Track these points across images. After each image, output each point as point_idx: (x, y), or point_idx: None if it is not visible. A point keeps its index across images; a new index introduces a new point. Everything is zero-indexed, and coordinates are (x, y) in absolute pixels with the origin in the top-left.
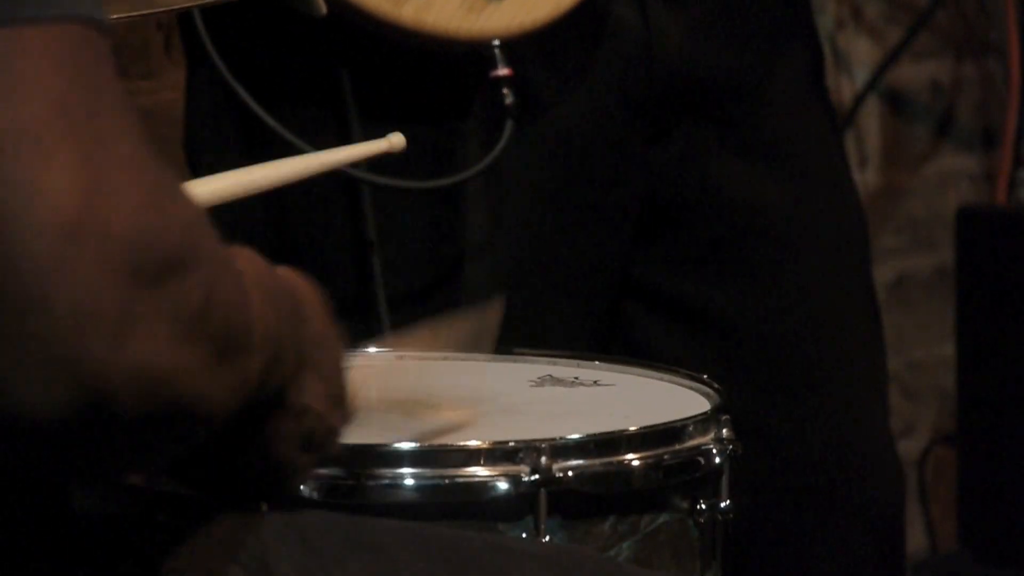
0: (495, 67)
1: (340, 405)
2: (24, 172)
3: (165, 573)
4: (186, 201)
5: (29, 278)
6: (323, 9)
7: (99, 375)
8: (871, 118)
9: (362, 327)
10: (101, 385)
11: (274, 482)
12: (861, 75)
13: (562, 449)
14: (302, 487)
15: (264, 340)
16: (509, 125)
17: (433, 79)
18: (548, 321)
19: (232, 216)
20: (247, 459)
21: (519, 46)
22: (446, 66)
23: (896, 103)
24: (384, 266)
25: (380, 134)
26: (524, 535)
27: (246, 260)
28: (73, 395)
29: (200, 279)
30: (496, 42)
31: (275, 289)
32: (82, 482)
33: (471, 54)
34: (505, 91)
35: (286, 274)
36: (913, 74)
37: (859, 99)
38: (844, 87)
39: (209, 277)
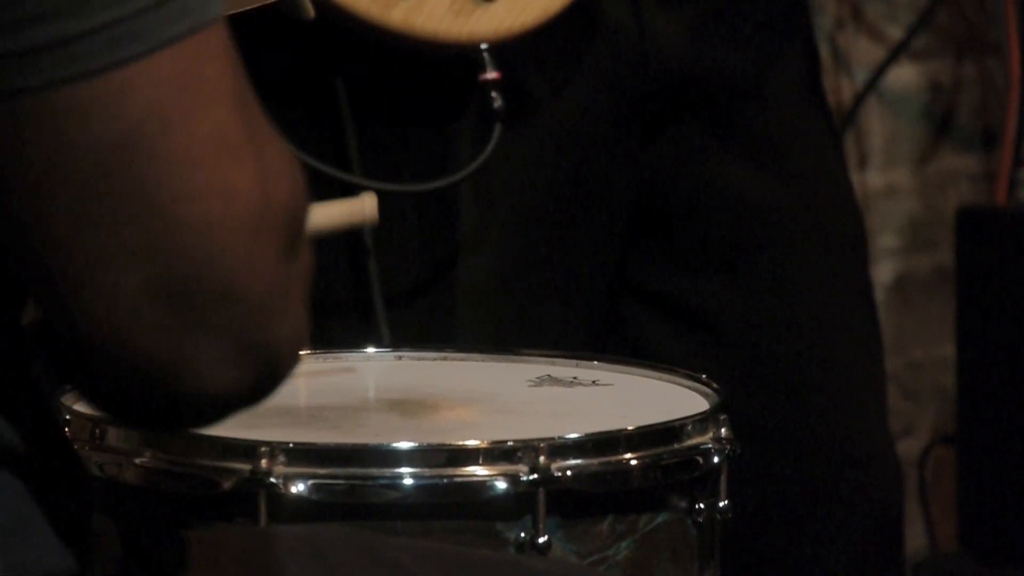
0: (484, 71)
1: None
2: (222, 177)
3: None
4: (294, 157)
5: (225, 275)
6: (311, 13)
7: (280, 353)
8: (871, 118)
9: (359, 329)
10: (281, 361)
11: None
12: (861, 75)
13: (560, 448)
14: (302, 487)
15: None
16: (498, 128)
17: (426, 81)
18: (542, 321)
19: None
20: None
21: (511, 46)
22: (439, 68)
23: (896, 103)
24: (379, 267)
25: (374, 137)
26: (523, 534)
27: None
28: (257, 374)
29: (308, 239)
30: (484, 46)
31: None
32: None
33: (460, 57)
34: (494, 95)
35: None
36: (913, 74)
37: (859, 99)
38: (844, 87)
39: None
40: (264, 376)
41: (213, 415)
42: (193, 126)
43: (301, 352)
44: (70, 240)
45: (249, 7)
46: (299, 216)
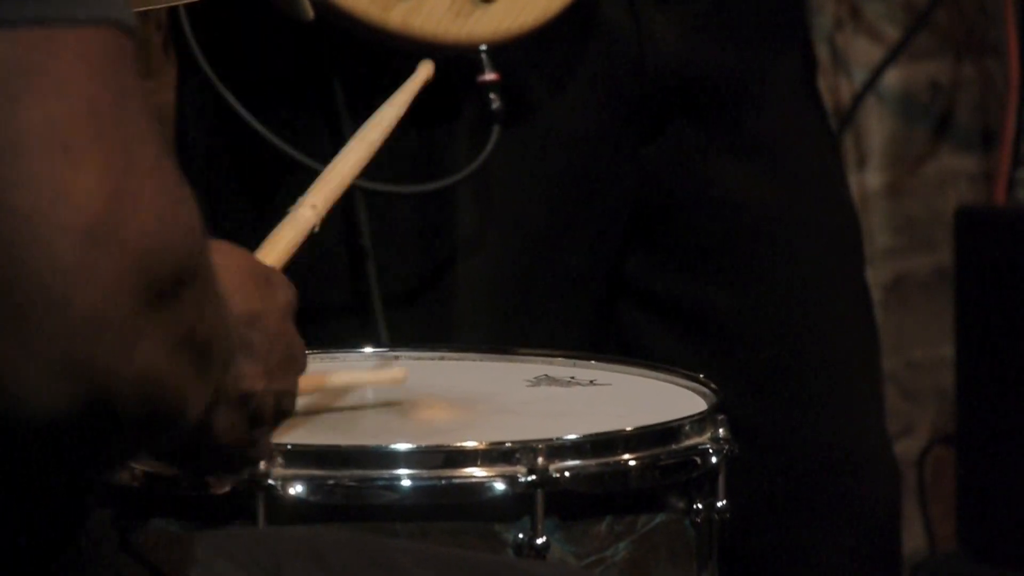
0: (482, 72)
1: (285, 371)
2: (52, 172)
3: None
4: (193, 209)
5: (49, 278)
6: (310, 14)
7: (105, 378)
8: (870, 118)
9: (358, 329)
10: (106, 387)
11: (236, 458)
12: (860, 75)
13: (559, 449)
14: (300, 489)
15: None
16: (496, 129)
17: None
18: (540, 322)
19: (227, 226)
20: (204, 445)
21: (509, 48)
22: (437, 69)
23: (895, 103)
24: (378, 268)
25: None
26: (521, 535)
27: None
28: (78, 394)
29: (196, 297)
30: (483, 47)
31: None
32: (70, 480)
33: (459, 58)
34: (492, 96)
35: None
36: (912, 74)
37: (858, 99)
38: (843, 87)
39: (203, 295)
40: (94, 405)
41: (38, 446)
42: (22, 113)
43: (154, 405)
44: None
45: (158, 6)
46: (172, 258)
